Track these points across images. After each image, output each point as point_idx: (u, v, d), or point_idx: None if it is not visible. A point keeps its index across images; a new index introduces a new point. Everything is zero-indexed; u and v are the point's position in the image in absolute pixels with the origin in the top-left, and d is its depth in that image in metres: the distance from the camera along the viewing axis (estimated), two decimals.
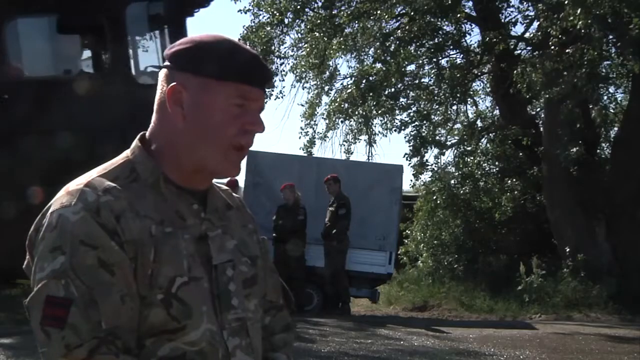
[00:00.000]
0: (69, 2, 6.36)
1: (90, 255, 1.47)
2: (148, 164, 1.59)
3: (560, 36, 12.60)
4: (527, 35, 15.57)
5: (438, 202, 16.36)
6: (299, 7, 15.39)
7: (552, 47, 12.76)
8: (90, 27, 7.06)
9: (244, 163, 1.71)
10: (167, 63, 1.63)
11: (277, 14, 15.53)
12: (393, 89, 15.69)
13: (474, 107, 18.15)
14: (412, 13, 14.59)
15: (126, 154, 1.63)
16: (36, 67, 7.13)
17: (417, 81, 16.26)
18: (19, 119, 6.20)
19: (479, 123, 17.55)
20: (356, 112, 16.93)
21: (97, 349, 1.45)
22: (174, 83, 1.57)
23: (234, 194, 1.76)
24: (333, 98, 17.24)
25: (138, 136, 1.65)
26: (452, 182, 16.71)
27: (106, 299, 1.46)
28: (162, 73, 1.63)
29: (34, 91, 6.23)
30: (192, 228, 1.59)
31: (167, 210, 1.57)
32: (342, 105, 16.43)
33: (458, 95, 16.07)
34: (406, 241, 17.22)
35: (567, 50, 12.62)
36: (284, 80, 17.34)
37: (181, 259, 1.54)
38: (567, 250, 13.90)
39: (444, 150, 16.89)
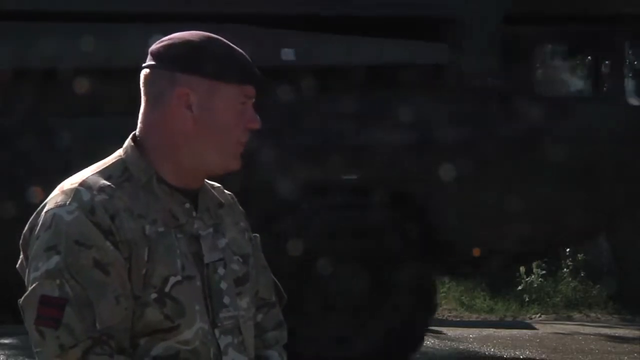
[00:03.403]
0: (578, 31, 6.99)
1: (84, 254, 1.47)
2: (141, 163, 1.58)
3: None
4: None
5: None
6: None
7: None
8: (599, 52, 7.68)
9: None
10: (153, 62, 1.58)
11: None
12: None
13: None
14: None
15: (119, 153, 1.61)
16: (547, 87, 7.74)
17: None
18: (531, 129, 6.51)
19: None
20: None
21: (92, 349, 1.45)
22: (182, 87, 1.55)
23: (225, 191, 1.75)
24: None
25: (130, 135, 1.63)
26: None
27: (101, 299, 1.46)
28: (155, 72, 1.58)
29: (546, 107, 6.61)
30: (185, 227, 1.59)
31: (160, 210, 1.56)
32: None
33: None
34: None
35: None
36: None
37: (175, 258, 1.54)
38: (567, 250, 13.88)
39: None
